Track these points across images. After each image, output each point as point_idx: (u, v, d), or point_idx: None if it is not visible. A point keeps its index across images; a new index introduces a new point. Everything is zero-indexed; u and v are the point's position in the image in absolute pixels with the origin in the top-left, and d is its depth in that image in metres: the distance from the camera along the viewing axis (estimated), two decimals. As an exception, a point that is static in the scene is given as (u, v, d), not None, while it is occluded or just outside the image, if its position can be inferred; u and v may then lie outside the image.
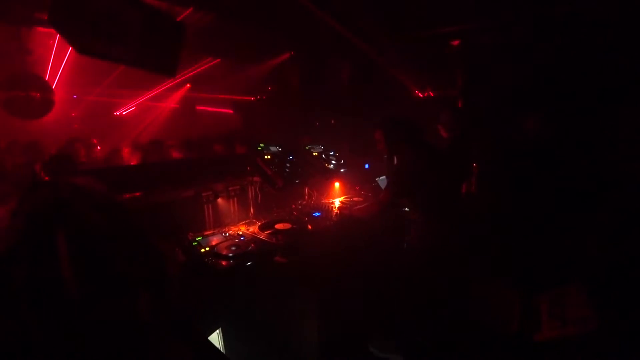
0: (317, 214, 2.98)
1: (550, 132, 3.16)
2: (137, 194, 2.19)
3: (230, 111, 9.07)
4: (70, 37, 2.56)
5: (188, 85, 8.47)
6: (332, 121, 5.99)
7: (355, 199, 3.46)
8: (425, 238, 2.42)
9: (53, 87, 5.56)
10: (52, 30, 4.20)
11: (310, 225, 2.73)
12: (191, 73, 6.24)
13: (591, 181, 3.10)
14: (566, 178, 2.96)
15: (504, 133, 3.26)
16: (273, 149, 2.87)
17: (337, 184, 3.57)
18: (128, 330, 0.73)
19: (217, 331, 2.01)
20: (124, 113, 8.55)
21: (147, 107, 8.62)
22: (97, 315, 0.68)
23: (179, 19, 3.37)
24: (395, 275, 2.69)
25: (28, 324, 0.67)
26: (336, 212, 2.99)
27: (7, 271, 0.71)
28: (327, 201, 3.41)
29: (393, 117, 2.58)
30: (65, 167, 2.62)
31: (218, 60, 5.90)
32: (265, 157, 2.74)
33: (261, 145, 2.83)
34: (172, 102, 9.20)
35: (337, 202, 3.37)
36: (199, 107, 9.84)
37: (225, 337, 2.03)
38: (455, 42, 4.80)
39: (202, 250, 2.21)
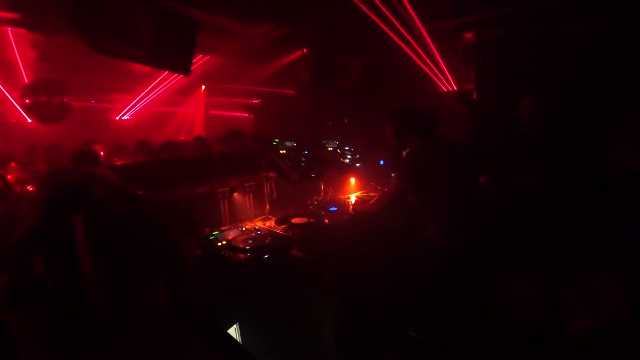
0: (333, 208, 2.96)
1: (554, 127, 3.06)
2: (155, 189, 2.21)
3: (245, 114, 9.10)
4: (89, 39, 2.62)
5: (203, 86, 8.56)
6: (345, 120, 5.95)
7: (371, 194, 3.42)
8: (439, 239, 2.34)
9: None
10: (71, 37, 4.29)
11: (327, 219, 2.70)
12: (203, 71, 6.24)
13: (607, 174, 2.98)
14: (581, 170, 2.85)
15: (515, 126, 3.16)
16: (288, 144, 2.86)
17: (352, 180, 3.54)
18: (145, 320, 0.72)
19: (235, 326, 2.00)
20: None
21: (162, 112, 8.71)
22: (113, 302, 0.67)
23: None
24: (410, 274, 2.63)
25: (45, 310, 0.67)
26: (352, 207, 2.96)
27: (27, 257, 0.71)
28: (343, 196, 3.38)
29: (401, 110, 2.52)
30: (89, 161, 2.65)
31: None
32: (281, 152, 2.74)
33: (276, 140, 2.82)
34: (188, 106, 9.31)
35: (353, 198, 3.33)
36: (212, 112, 9.90)
37: (243, 332, 2.02)
38: (469, 35, 4.70)
39: (219, 243, 2.21)
